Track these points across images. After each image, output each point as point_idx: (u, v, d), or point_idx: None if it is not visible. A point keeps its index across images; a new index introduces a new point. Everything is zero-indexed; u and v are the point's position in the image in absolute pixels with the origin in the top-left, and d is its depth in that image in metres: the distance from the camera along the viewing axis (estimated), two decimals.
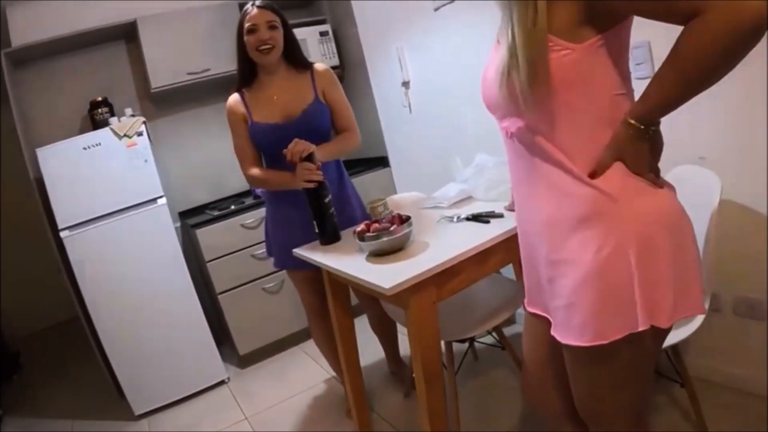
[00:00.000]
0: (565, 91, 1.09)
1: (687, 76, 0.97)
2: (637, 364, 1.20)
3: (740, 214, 1.97)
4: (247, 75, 2.35)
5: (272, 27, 2.24)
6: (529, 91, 1.07)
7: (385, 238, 1.82)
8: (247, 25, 2.22)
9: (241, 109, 2.34)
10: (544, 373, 1.45)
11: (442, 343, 2.21)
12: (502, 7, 1.12)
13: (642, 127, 1.06)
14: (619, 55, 1.10)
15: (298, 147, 2.11)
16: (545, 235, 1.23)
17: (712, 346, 2.21)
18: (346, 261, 1.94)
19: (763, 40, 0.89)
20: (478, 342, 2.87)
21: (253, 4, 2.24)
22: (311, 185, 2.11)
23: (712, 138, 1.98)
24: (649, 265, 1.09)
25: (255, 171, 2.34)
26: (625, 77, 1.13)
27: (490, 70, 1.22)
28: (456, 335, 2.18)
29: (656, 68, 1.99)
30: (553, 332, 1.26)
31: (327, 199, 2.14)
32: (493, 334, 2.56)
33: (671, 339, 1.52)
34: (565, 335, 1.20)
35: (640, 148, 1.09)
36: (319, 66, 2.40)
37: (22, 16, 3.49)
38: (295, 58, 2.36)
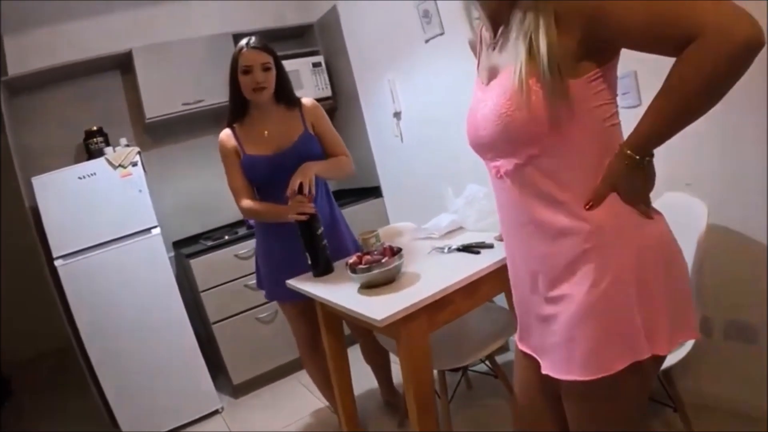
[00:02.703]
0: (562, 125, 1.09)
1: (683, 103, 0.99)
2: (637, 392, 1.20)
3: (727, 238, 2.00)
4: (239, 111, 2.39)
5: (266, 68, 2.28)
6: (553, 80, 1.05)
7: (376, 270, 1.85)
8: (242, 66, 2.25)
9: (233, 142, 2.37)
10: (536, 406, 1.44)
11: (435, 371, 2.22)
12: (524, 32, 1.10)
13: (638, 157, 1.07)
14: (611, 88, 1.12)
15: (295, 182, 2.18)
16: (540, 273, 1.23)
17: (703, 369, 2.23)
18: (339, 292, 1.96)
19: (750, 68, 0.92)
20: (472, 370, 2.88)
21: (248, 44, 2.27)
22: (303, 218, 2.14)
23: (698, 165, 2.03)
24: (647, 293, 1.10)
25: (248, 203, 2.36)
26: (616, 109, 1.14)
27: (482, 111, 1.22)
28: (449, 364, 2.19)
29: (642, 97, 2.05)
30: (547, 371, 1.24)
31: (319, 231, 2.17)
32: (486, 362, 2.57)
33: (665, 364, 1.54)
34: (566, 371, 1.18)
35: (634, 178, 1.10)
36: (306, 101, 2.45)
37: (20, 46, 3.53)
38: (285, 96, 2.40)
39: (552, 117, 1.08)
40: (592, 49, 1.05)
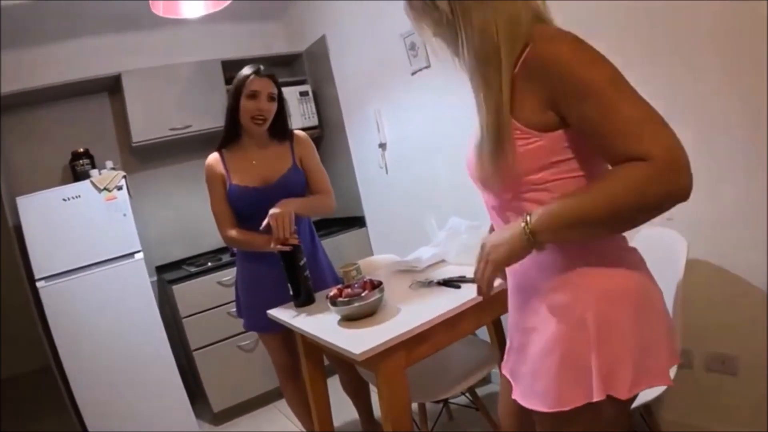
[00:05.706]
0: (532, 176, 1.13)
1: (600, 210, 1.01)
2: (596, 429, 1.20)
3: (708, 272, 2.03)
4: (232, 136, 2.39)
5: (271, 99, 2.31)
6: (493, 170, 1.12)
7: (356, 304, 1.86)
8: (249, 90, 2.26)
9: (221, 169, 2.37)
10: (516, 428, 1.48)
11: (416, 403, 2.21)
12: (473, 88, 1.16)
13: (529, 233, 1.08)
14: (577, 145, 1.12)
15: (282, 221, 2.15)
16: (518, 302, 1.29)
17: (684, 402, 2.23)
18: (319, 324, 1.97)
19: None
20: (453, 402, 2.87)
21: (258, 71, 2.28)
22: (287, 248, 2.14)
23: None
24: (609, 339, 1.12)
25: (232, 232, 2.35)
26: (590, 160, 1.14)
27: (471, 145, 1.25)
28: (429, 397, 2.19)
29: None
30: (515, 396, 1.29)
31: (302, 262, 2.17)
32: (467, 395, 2.57)
33: (643, 397, 1.55)
34: (529, 400, 1.23)
35: (511, 242, 1.11)
36: (299, 133, 2.47)
37: (9, 64, 3.53)
38: (280, 128, 2.42)
39: (510, 163, 1.12)
40: (556, 109, 1.08)
